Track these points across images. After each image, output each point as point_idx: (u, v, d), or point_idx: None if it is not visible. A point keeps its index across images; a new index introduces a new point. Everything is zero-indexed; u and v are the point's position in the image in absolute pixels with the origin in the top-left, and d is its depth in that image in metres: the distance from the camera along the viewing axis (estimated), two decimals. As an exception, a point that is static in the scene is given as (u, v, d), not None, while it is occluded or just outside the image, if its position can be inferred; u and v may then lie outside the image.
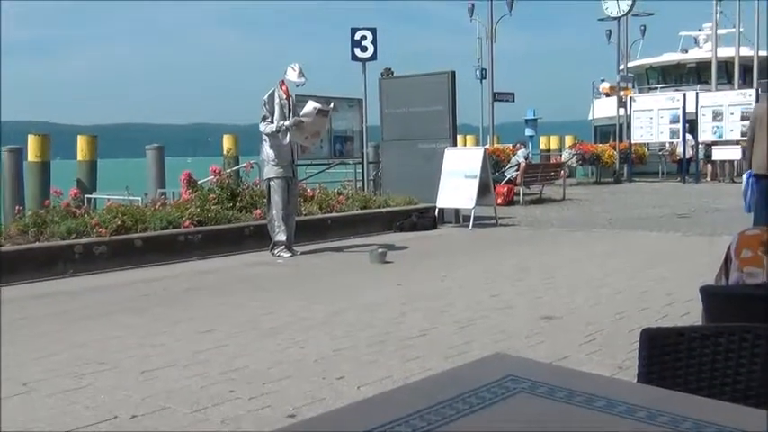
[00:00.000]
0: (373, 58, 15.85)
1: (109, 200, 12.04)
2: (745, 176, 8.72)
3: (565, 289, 7.32)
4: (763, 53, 31.78)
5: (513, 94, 27.75)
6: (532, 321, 5.90)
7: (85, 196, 15.73)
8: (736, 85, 29.23)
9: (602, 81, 35.96)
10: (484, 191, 13.22)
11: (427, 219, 12.87)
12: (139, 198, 12.45)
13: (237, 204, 11.10)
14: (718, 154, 24.76)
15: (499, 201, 15.97)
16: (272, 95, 9.93)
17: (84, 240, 8.90)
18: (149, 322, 6.19)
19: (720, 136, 24.24)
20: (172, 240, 9.68)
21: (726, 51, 31.39)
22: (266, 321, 6.11)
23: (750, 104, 23.49)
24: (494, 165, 18.05)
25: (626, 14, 28.29)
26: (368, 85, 15.57)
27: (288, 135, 9.91)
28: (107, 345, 5.43)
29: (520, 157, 19.15)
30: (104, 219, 9.37)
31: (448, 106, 14.08)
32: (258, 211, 10.74)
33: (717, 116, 24.09)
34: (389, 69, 16.59)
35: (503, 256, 9.98)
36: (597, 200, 18.76)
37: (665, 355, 1.65)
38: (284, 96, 9.99)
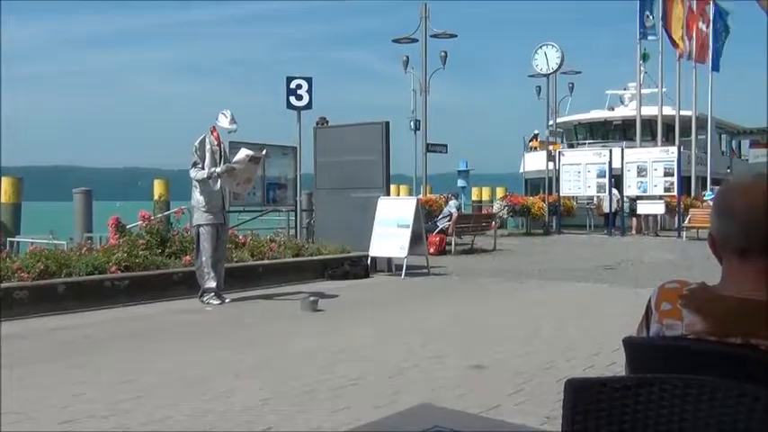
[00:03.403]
0: (308, 106, 15.96)
1: (32, 244, 11.68)
2: None
3: (494, 339, 7.37)
4: (684, 113, 33.10)
5: (446, 145, 28.16)
6: (462, 371, 5.92)
7: (8, 239, 15.24)
8: (659, 143, 30.28)
9: (536, 133, 36.80)
10: (416, 240, 13.31)
11: (359, 267, 12.87)
12: (65, 242, 12.12)
13: (167, 250, 10.90)
14: (643, 208, 25.51)
15: (431, 250, 16.08)
16: (202, 141, 9.88)
17: (4, 285, 8.58)
18: (70, 371, 5.98)
19: (645, 191, 24.99)
20: (97, 286, 9.43)
21: (649, 110, 32.55)
22: (192, 370, 5.97)
23: (672, 161, 24.38)
24: (426, 215, 18.21)
25: (555, 72, 29.18)
26: (302, 134, 15.64)
27: (219, 181, 9.85)
28: (25, 394, 5.22)
29: (452, 207, 19.38)
30: (27, 263, 9.08)
31: (382, 156, 14.21)
32: (188, 258, 10.56)
33: (641, 171, 24.87)
34: (324, 118, 16.72)
35: (434, 305, 10.02)
36: (527, 251, 19.06)
37: (588, 406, 1.67)
38: (215, 142, 9.94)
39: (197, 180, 9.85)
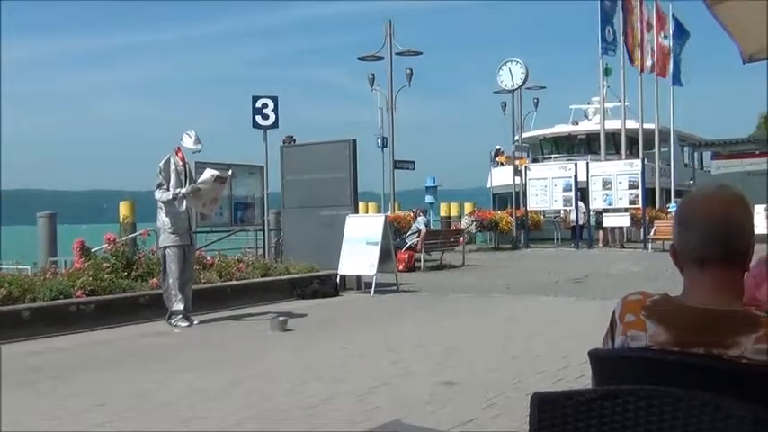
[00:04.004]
0: (275, 125, 15.90)
1: (-5, 269, 11.49)
2: None
3: (465, 354, 7.38)
4: (647, 126, 33.56)
5: (413, 162, 28.26)
6: (433, 387, 5.91)
7: (-30, 266, 14.94)
8: (623, 156, 30.66)
9: (498, 148, 36.97)
10: (385, 257, 13.30)
11: (329, 285, 12.82)
12: (29, 267, 11.93)
13: (133, 273, 10.77)
14: (609, 221, 25.78)
15: (400, 267, 16.08)
16: (167, 162, 9.80)
17: (-34, 312, 8.42)
18: (37, 397, 5.87)
19: (610, 203, 25.28)
20: (63, 311, 9.28)
21: (613, 124, 32.96)
22: (161, 394, 5.90)
23: (636, 174, 24.67)
24: (395, 231, 18.22)
25: (519, 87, 29.44)
26: (269, 153, 15.58)
27: (184, 202, 9.77)
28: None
29: (420, 223, 19.41)
30: (-11, 289, 8.92)
31: (349, 174, 14.21)
32: (154, 280, 10.45)
33: (606, 185, 25.16)
34: (291, 137, 16.66)
35: (404, 322, 10.01)
36: (496, 265, 19.14)
37: (554, 419, 1.68)
38: (180, 163, 9.87)
39: (162, 201, 9.76)
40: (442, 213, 34.08)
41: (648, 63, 32.92)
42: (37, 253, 16.87)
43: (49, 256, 15.99)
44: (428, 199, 31.13)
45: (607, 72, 32.01)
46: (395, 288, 13.30)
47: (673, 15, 35.16)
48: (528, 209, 26.96)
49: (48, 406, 5.57)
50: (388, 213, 21.19)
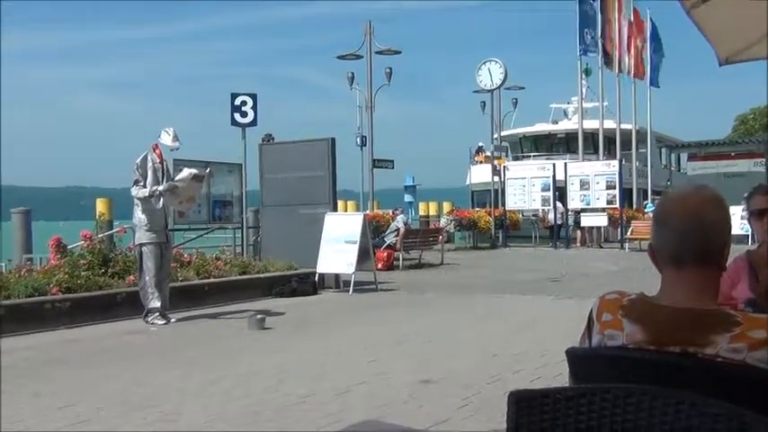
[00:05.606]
0: (253, 123, 15.85)
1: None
2: None
3: (443, 353, 7.39)
4: (624, 126, 33.79)
5: (392, 161, 28.30)
6: (411, 386, 5.91)
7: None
8: (601, 156, 30.85)
9: (480, 145, 37.01)
10: (364, 256, 13.29)
11: (307, 284, 12.79)
12: (3, 264, 11.81)
13: (110, 270, 10.69)
14: (587, 221, 25.93)
15: (379, 266, 16.07)
16: (144, 159, 9.73)
17: (-61, 309, 8.31)
18: (8, 396, 5.80)
19: (588, 203, 25.42)
20: (38, 308, 9.18)
21: (592, 123, 33.17)
22: (137, 393, 5.84)
23: (614, 174, 24.83)
24: (374, 230, 18.22)
25: (498, 87, 29.52)
26: (248, 151, 15.53)
27: (161, 199, 9.71)
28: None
29: (399, 222, 19.43)
30: (-37, 286, 8.82)
31: (328, 172, 14.18)
32: (131, 278, 10.37)
33: (584, 185, 25.29)
34: (270, 135, 16.62)
35: (382, 320, 10.01)
36: (474, 264, 19.19)
37: (531, 417, 1.68)
38: (158, 160, 9.80)
39: (138, 198, 9.70)
40: (421, 212, 34.14)
41: (626, 64, 33.14)
42: (11, 250, 16.71)
43: (24, 252, 15.84)
44: (407, 198, 31.19)
45: (587, 72, 32.23)
46: (373, 287, 13.30)
47: (650, 18, 35.43)
48: (506, 208, 27.06)
49: (16, 406, 5.50)
50: (367, 212, 21.20)
